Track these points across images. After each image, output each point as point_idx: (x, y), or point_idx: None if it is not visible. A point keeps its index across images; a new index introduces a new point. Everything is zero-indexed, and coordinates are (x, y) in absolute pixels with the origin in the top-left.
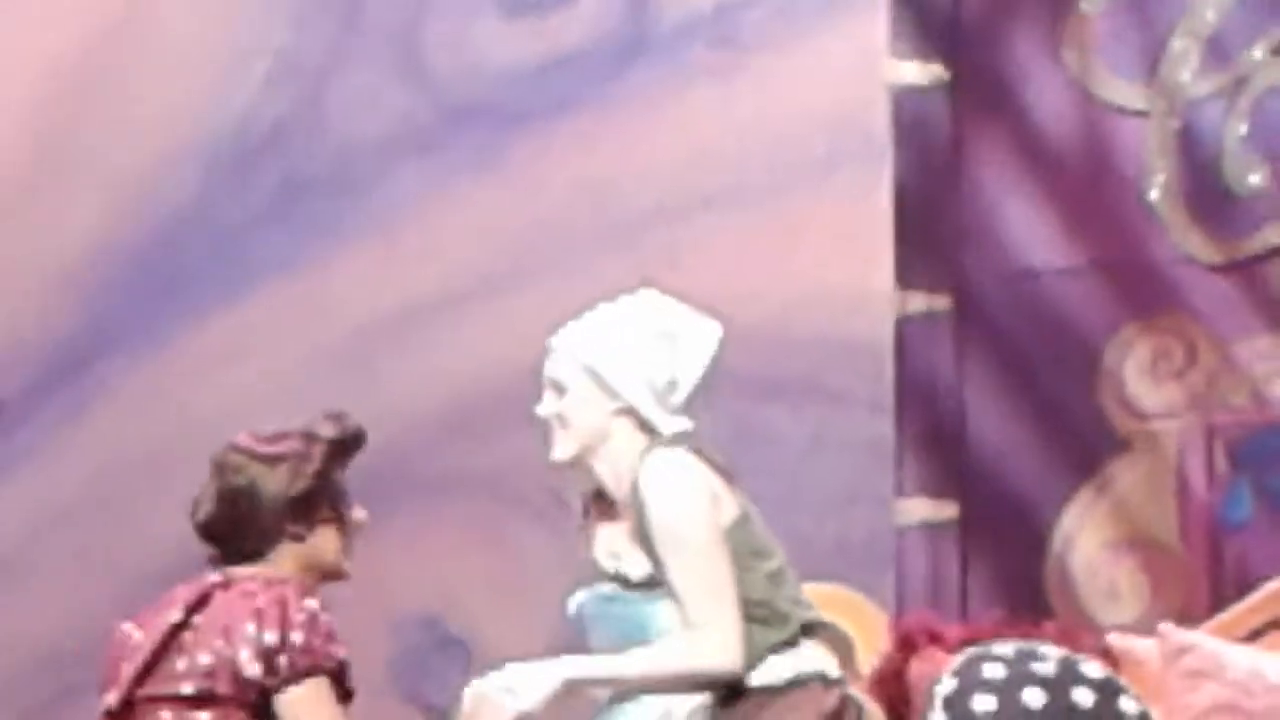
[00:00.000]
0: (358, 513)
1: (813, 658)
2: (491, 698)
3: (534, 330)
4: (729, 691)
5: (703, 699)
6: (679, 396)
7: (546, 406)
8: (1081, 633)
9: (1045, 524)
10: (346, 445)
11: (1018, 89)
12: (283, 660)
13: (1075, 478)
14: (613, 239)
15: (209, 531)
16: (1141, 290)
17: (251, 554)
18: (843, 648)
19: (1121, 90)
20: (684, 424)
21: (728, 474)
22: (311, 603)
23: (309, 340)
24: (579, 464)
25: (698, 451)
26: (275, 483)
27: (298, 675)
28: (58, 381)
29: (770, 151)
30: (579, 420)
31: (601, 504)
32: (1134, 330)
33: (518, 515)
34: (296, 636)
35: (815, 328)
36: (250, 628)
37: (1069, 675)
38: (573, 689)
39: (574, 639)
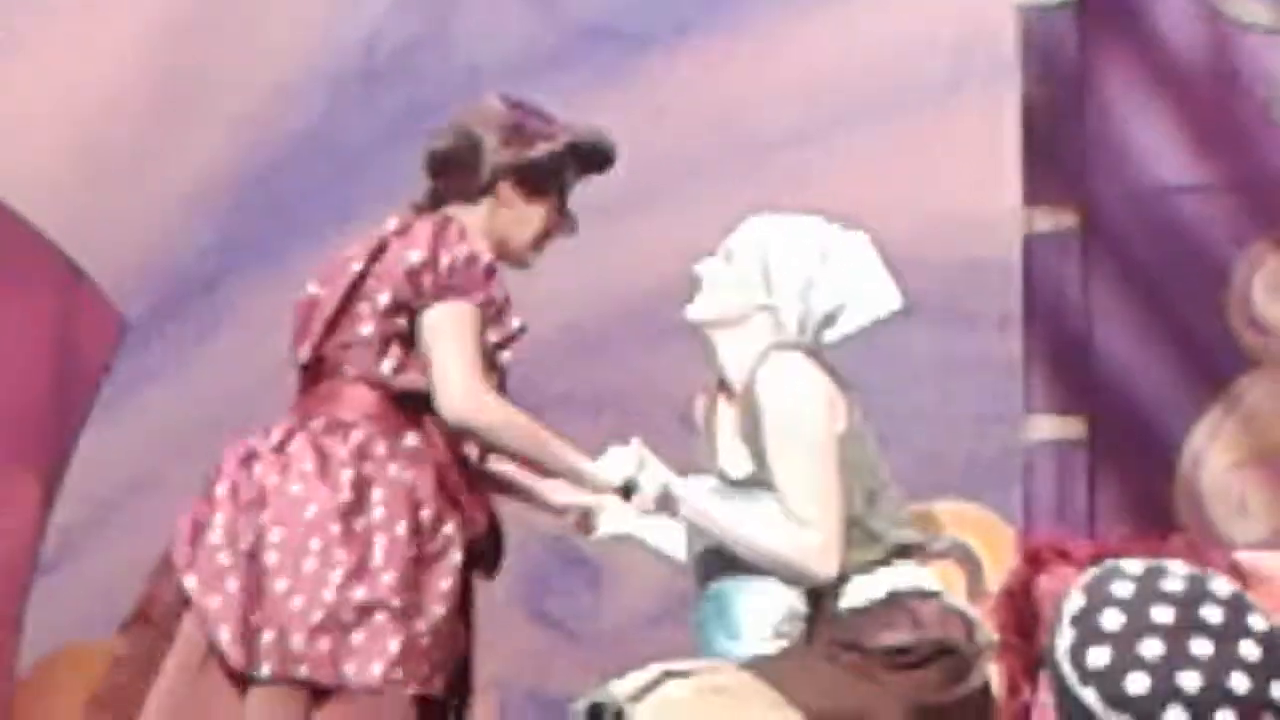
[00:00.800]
0: (572, 218)
1: (907, 573)
2: (623, 457)
3: (659, 253)
4: (819, 608)
5: (795, 607)
6: (826, 336)
7: (707, 266)
8: (1210, 550)
9: (1173, 441)
10: (590, 152)
11: (1145, 6)
12: (427, 280)
13: (1204, 395)
14: (738, 162)
15: (430, 161)
16: (1271, 208)
17: (457, 199)
18: (970, 566)
19: (1250, 7)
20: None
21: (844, 384)
22: (479, 244)
23: None
24: (703, 331)
25: (815, 355)
26: (507, 144)
27: (439, 296)
28: (184, 304)
29: (896, 72)
30: (727, 293)
31: (723, 391)
32: (1263, 247)
33: (645, 436)
34: (444, 260)
35: (943, 247)
36: (406, 253)
37: (1198, 592)
38: (671, 504)
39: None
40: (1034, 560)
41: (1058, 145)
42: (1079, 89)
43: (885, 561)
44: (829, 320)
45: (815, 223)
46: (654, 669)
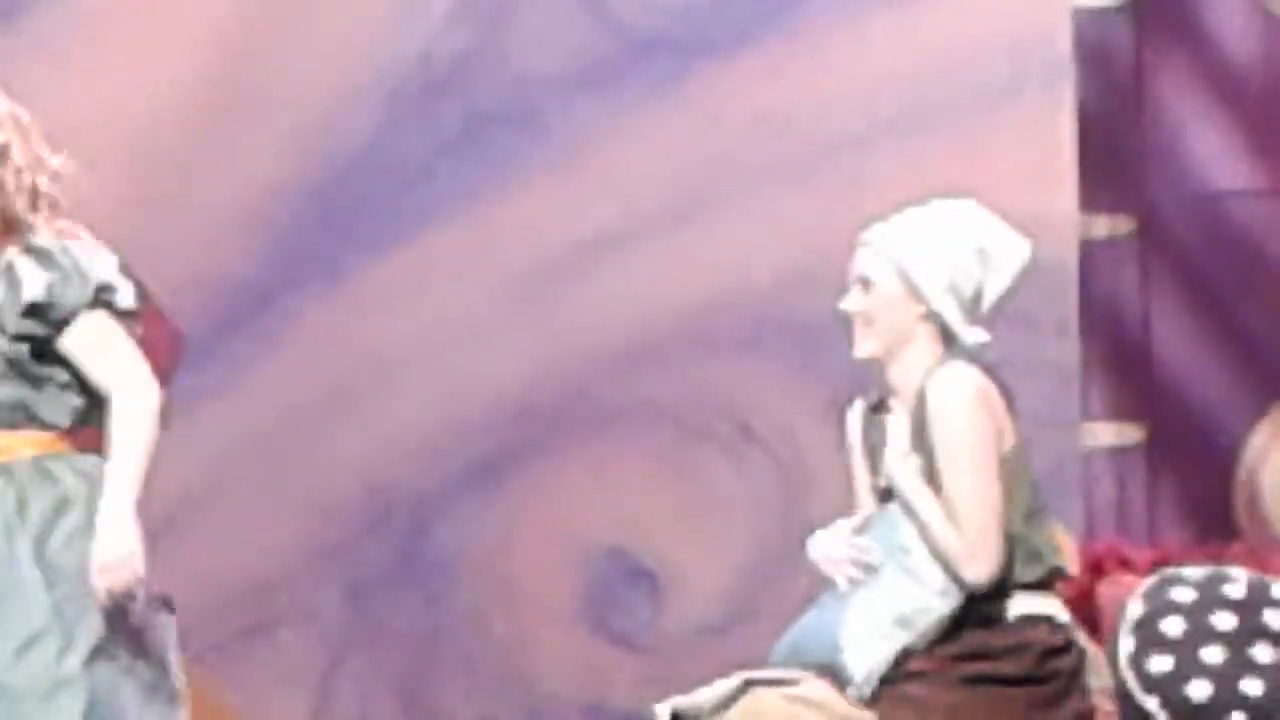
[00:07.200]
0: None
1: (1045, 601)
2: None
3: (717, 261)
4: (964, 616)
5: (944, 609)
6: (980, 310)
7: (852, 302)
8: (1271, 554)
9: (1233, 446)
10: None
11: (1200, 10)
12: None
13: (1262, 399)
14: (794, 169)
15: None
16: None
17: None
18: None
19: None
20: (982, 335)
21: (1010, 399)
22: None
23: (491, 274)
24: (876, 363)
25: (989, 372)
26: None
27: None
28: (242, 318)
29: (951, 77)
30: (884, 319)
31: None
32: None
33: (703, 446)
34: None
35: None
36: None
37: (1259, 597)
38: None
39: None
40: (1094, 567)
41: (1114, 150)
42: (1135, 93)
43: (1043, 584)
44: (978, 297)
45: (922, 213)
46: (736, 678)
